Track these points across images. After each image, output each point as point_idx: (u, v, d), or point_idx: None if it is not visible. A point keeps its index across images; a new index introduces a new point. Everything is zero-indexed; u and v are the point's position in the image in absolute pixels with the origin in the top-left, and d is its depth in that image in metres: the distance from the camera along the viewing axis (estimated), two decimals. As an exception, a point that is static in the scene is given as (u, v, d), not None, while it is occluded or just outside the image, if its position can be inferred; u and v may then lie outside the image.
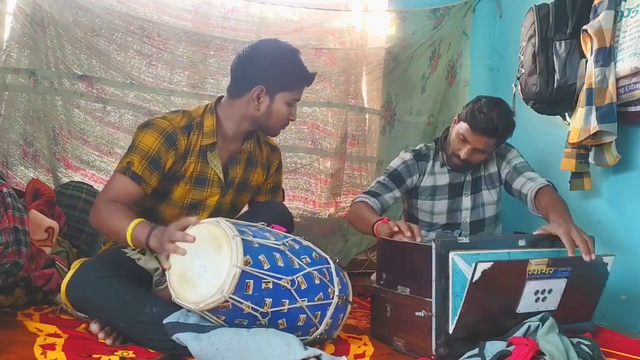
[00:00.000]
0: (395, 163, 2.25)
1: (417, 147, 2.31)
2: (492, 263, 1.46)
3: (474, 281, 1.45)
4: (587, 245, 1.63)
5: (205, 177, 1.79)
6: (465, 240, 1.58)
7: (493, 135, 2.08)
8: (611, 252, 2.20)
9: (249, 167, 1.89)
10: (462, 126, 2.10)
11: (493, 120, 2.04)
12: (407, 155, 2.25)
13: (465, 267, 1.50)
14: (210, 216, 1.80)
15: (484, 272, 1.45)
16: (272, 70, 1.73)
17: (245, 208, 2.02)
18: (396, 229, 1.75)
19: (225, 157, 1.83)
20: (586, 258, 1.61)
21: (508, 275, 1.52)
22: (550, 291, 1.58)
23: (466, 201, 2.24)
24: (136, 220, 1.55)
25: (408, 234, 1.72)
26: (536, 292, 1.57)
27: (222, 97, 1.84)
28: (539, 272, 1.54)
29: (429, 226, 2.28)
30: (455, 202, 2.25)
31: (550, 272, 1.55)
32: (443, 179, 2.24)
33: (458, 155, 2.13)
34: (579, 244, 1.63)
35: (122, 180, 1.67)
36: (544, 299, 1.59)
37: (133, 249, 1.65)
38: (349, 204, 2.94)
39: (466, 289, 1.47)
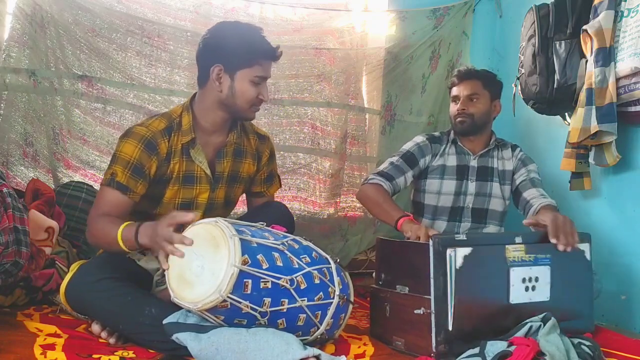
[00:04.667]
0: (408, 145, 2.30)
1: (432, 133, 2.39)
2: (471, 248, 1.54)
3: (458, 268, 1.51)
4: (568, 237, 1.66)
5: (192, 175, 1.78)
6: (462, 237, 1.58)
7: (475, 76, 2.27)
8: (611, 252, 2.23)
9: (237, 159, 1.87)
10: (451, 90, 2.31)
11: (470, 68, 2.35)
12: (420, 138, 2.31)
13: (453, 257, 1.54)
14: (204, 213, 1.80)
15: (465, 258, 1.53)
16: (227, 47, 1.69)
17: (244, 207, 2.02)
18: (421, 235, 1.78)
19: (210, 152, 1.81)
20: (560, 248, 1.66)
21: (490, 261, 1.59)
22: (537, 279, 1.64)
23: (471, 186, 2.26)
24: (124, 224, 1.55)
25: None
26: (523, 280, 1.62)
27: (196, 93, 1.82)
28: (519, 259, 1.62)
29: (434, 210, 2.28)
30: (463, 186, 2.27)
31: (531, 259, 1.64)
32: (452, 160, 2.28)
33: (458, 113, 2.24)
34: (560, 234, 1.66)
35: (108, 192, 1.67)
36: (533, 288, 1.63)
37: (130, 253, 1.64)
38: (349, 204, 2.96)
39: (453, 278, 1.51)
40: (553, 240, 1.66)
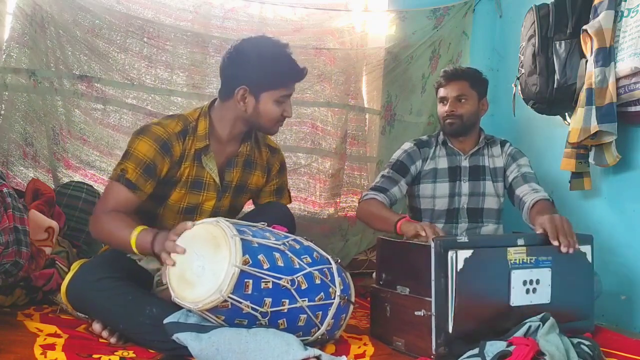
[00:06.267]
0: (397, 154, 2.29)
1: (420, 137, 2.37)
2: (472, 251, 1.53)
3: (459, 270, 1.50)
4: (568, 238, 1.66)
5: (201, 181, 1.78)
6: (464, 239, 1.58)
7: (462, 77, 2.24)
8: (611, 252, 2.23)
9: (247, 170, 1.87)
10: (439, 91, 2.28)
11: (457, 68, 2.31)
12: (407, 145, 2.30)
13: (454, 260, 1.53)
14: None
15: (466, 261, 1.52)
16: (253, 70, 1.69)
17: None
18: (423, 233, 1.75)
19: (221, 160, 1.81)
20: (563, 250, 1.65)
21: (491, 264, 1.59)
22: (537, 282, 1.63)
23: (464, 187, 2.25)
24: (139, 228, 1.55)
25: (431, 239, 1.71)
26: (524, 283, 1.61)
27: (216, 99, 1.82)
28: (520, 261, 1.61)
29: (431, 214, 2.28)
30: (456, 187, 2.26)
31: (532, 261, 1.63)
32: (443, 162, 2.27)
33: (447, 115, 2.23)
34: (560, 236, 1.66)
35: (116, 188, 1.67)
36: (534, 291, 1.62)
37: (137, 255, 1.64)
38: (349, 204, 2.96)
39: (454, 280, 1.50)
40: (554, 243, 1.65)
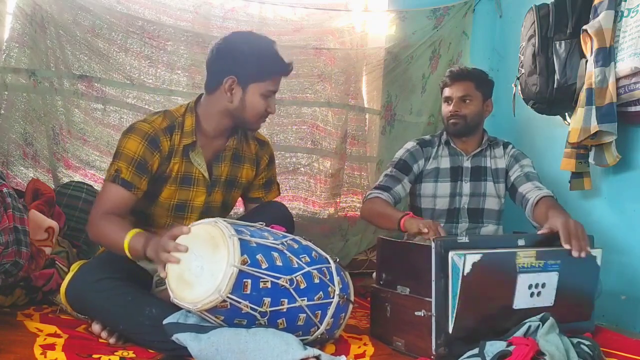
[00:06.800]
0: (399, 153, 2.29)
1: (422, 136, 2.37)
2: (480, 255, 1.50)
3: (465, 274, 1.48)
4: (580, 242, 1.64)
5: (190, 177, 1.78)
6: (464, 239, 1.58)
7: (467, 77, 2.25)
8: (611, 252, 2.23)
9: (235, 164, 1.87)
10: (444, 91, 2.28)
11: (463, 68, 2.31)
12: (410, 144, 2.31)
13: (461, 263, 1.51)
14: (199, 216, 1.79)
15: (474, 265, 1.49)
16: (243, 60, 1.70)
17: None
18: (425, 230, 1.77)
19: (209, 155, 1.81)
20: (574, 254, 1.63)
21: (498, 268, 1.56)
22: (543, 285, 1.60)
23: (466, 187, 2.26)
24: (132, 232, 1.54)
25: (433, 236, 1.73)
26: (530, 287, 1.59)
27: (202, 95, 1.82)
28: (529, 265, 1.58)
29: (432, 214, 2.28)
30: (457, 187, 2.26)
31: (541, 265, 1.60)
32: (445, 162, 2.28)
33: (451, 115, 2.23)
34: (572, 240, 1.64)
35: (113, 188, 1.67)
36: (538, 294, 1.60)
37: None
38: (349, 204, 2.96)
39: (459, 284, 1.48)
40: (566, 246, 1.63)
